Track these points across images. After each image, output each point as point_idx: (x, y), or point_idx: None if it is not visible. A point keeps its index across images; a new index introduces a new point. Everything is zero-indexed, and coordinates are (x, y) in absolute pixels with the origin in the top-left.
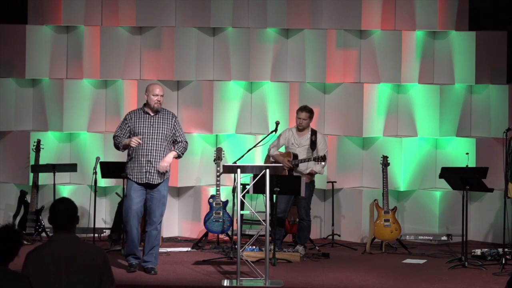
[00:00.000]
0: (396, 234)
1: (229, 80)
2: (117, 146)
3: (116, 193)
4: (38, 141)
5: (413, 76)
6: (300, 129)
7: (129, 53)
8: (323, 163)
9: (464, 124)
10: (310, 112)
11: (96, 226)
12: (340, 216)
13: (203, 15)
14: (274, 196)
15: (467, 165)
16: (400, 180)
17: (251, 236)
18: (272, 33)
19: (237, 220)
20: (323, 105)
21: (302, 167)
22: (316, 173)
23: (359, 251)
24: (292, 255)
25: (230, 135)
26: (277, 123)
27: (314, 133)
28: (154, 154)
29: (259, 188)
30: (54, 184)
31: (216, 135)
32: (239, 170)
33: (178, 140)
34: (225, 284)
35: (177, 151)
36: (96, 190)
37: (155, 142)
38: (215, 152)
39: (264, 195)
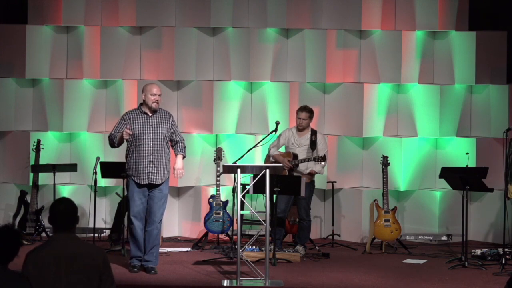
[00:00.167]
0: (396, 234)
1: (229, 80)
2: (112, 142)
3: (116, 193)
4: (38, 141)
5: (413, 76)
6: (300, 129)
7: (129, 53)
8: (323, 163)
9: (464, 124)
10: (310, 112)
11: (96, 226)
12: (340, 216)
13: (203, 15)
14: (274, 196)
15: (467, 165)
16: (400, 180)
17: (251, 236)
18: (272, 33)
19: (237, 220)
20: (323, 105)
21: (302, 167)
22: (316, 173)
23: (359, 251)
24: (292, 255)
25: (230, 135)
26: (277, 123)
27: (314, 133)
28: (156, 154)
29: (259, 188)
30: (54, 184)
31: (216, 135)
32: (239, 170)
33: (175, 139)
34: (225, 284)
35: (182, 153)
36: (96, 190)
37: (156, 142)
38: (215, 152)
39: (264, 195)
